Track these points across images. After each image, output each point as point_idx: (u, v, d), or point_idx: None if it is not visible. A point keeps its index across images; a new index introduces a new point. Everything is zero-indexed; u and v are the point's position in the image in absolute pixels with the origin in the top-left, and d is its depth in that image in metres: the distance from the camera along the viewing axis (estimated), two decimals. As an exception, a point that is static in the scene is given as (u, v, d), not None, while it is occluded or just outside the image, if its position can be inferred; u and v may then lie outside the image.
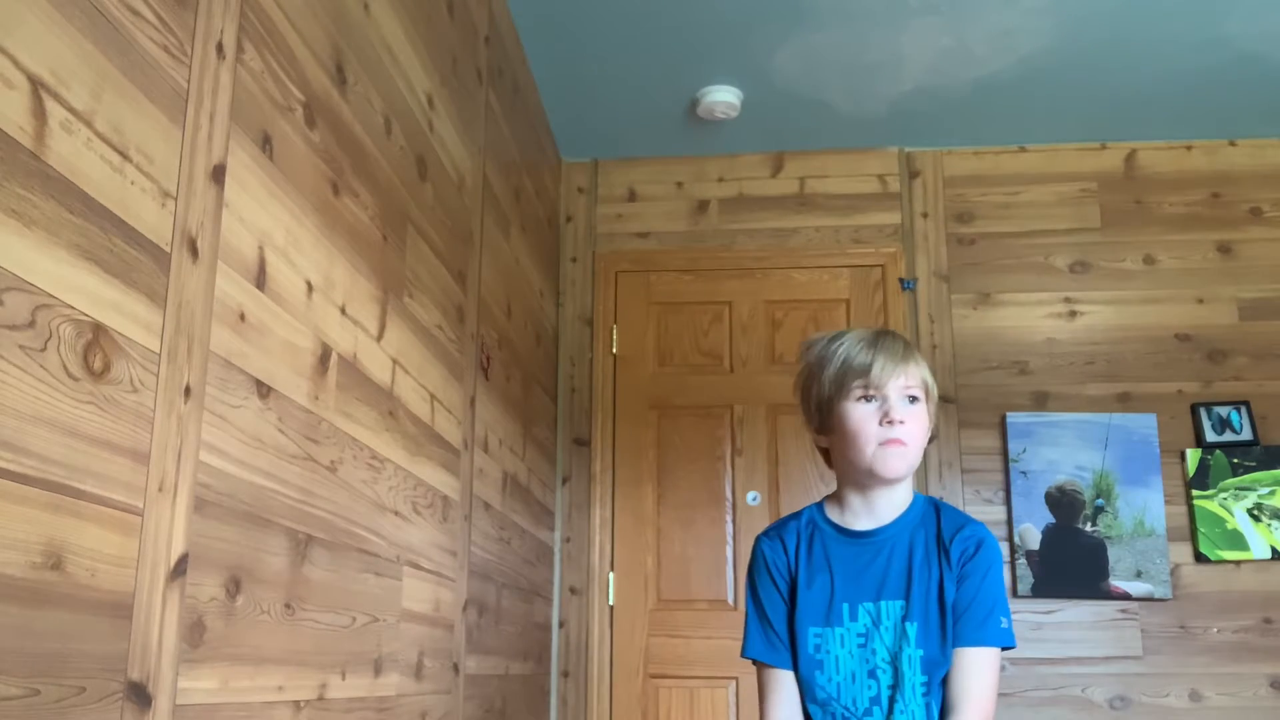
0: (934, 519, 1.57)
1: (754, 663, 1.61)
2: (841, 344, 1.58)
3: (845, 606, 1.53)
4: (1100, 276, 3.76)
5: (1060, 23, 3.12)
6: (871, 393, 1.53)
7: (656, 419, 3.80)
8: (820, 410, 1.59)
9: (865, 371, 1.52)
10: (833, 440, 1.58)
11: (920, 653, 1.49)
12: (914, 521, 1.57)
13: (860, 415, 1.52)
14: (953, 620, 1.50)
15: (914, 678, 1.49)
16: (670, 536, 3.70)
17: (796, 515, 1.65)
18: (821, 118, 3.70)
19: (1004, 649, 1.52)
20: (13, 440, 0.94)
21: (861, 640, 1.52)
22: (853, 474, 1.57)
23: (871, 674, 1.51)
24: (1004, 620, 1.52)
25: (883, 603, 1.52)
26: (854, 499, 1.58)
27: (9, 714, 0.93)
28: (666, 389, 3.82)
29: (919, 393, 1.55)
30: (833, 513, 1.61)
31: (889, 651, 1.50)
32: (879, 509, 1.57)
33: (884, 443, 1.51)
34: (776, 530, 1.64)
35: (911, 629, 1.50)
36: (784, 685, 1.55)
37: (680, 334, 3.87)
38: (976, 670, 1.49)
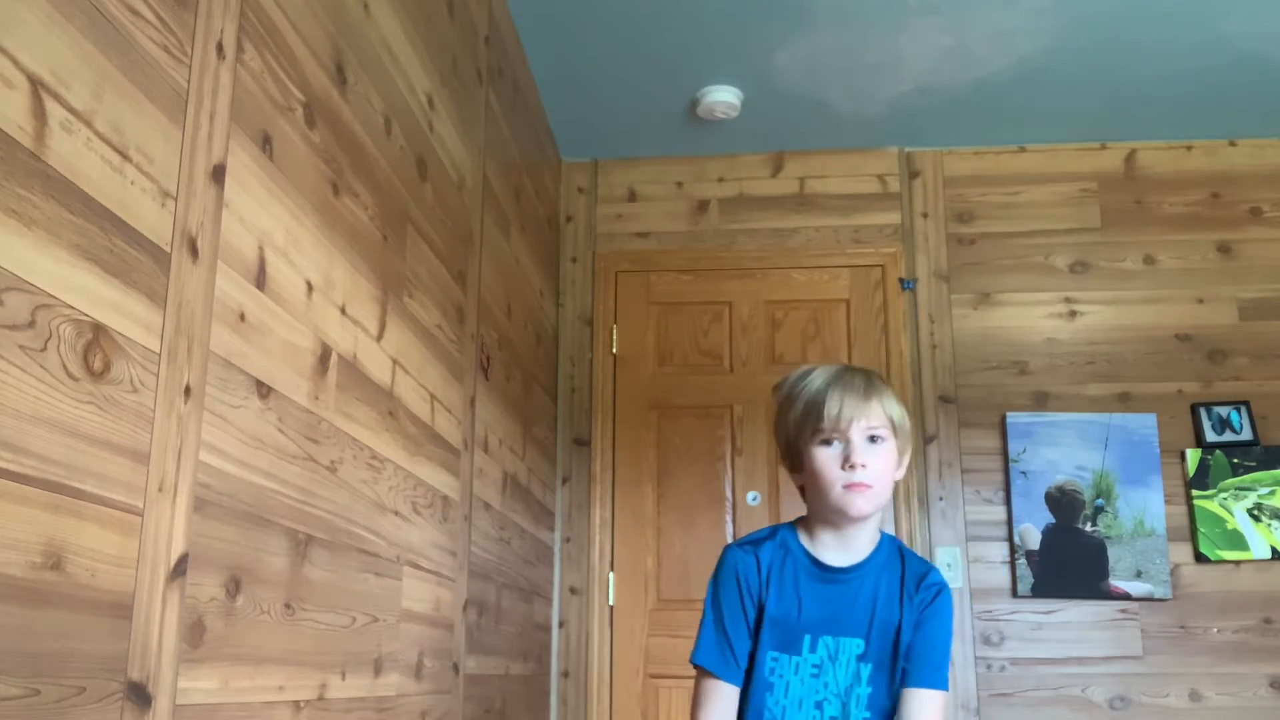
0: (899, 562, 1.59)
1: (698, 669, 1.60)
2: (806, 384, 1.58)
3: (807, 638, 1.55)
4: (1100, 276, 3.76)
5: (1060, 23, 3.12)
6: (833, 436, 1.53)
7: (656, 419, 3.80)
8: (790, 450, 1.60)
9: (824, 416, 1.53)
10: (805, 479, 1.60)
11: (869, 691, 1.52)
12: (880, 562, 1.59)
13: (823, 459, 1.54)
14: (905, 662, 1.53)
15: (859, 713, 1.52)
16: (670, 536, 3.70)
17: (771, 533, 1.65)
18: (821, 118, 3.70)
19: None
20: (13, 440, 0.94)
21: (815, 671, 1.54)
22: (823, 512, 1.58)
23: (818, 705, 1.53)
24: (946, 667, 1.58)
25: (842, 639, 1.54)
26: (825, 534, 1.59)
27: (9, 714, 0.93)
28: (666, 389, 3.82)
29: (884, 431, 1.55)
30: (805, 540, 1.62)
31: (840, 686, 1.53)
32: (849, 546, 1.59)
33: (847, 486, 1.52)
34: (752, 545, 1.63)
35: (865, 669, 1.53)
36: (727, 699, 1.56)
37: (680, 334, 3.87)
38: (931, 710, 1.53)
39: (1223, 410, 3.58)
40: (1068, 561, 3.50)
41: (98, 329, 1.07)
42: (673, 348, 3.86)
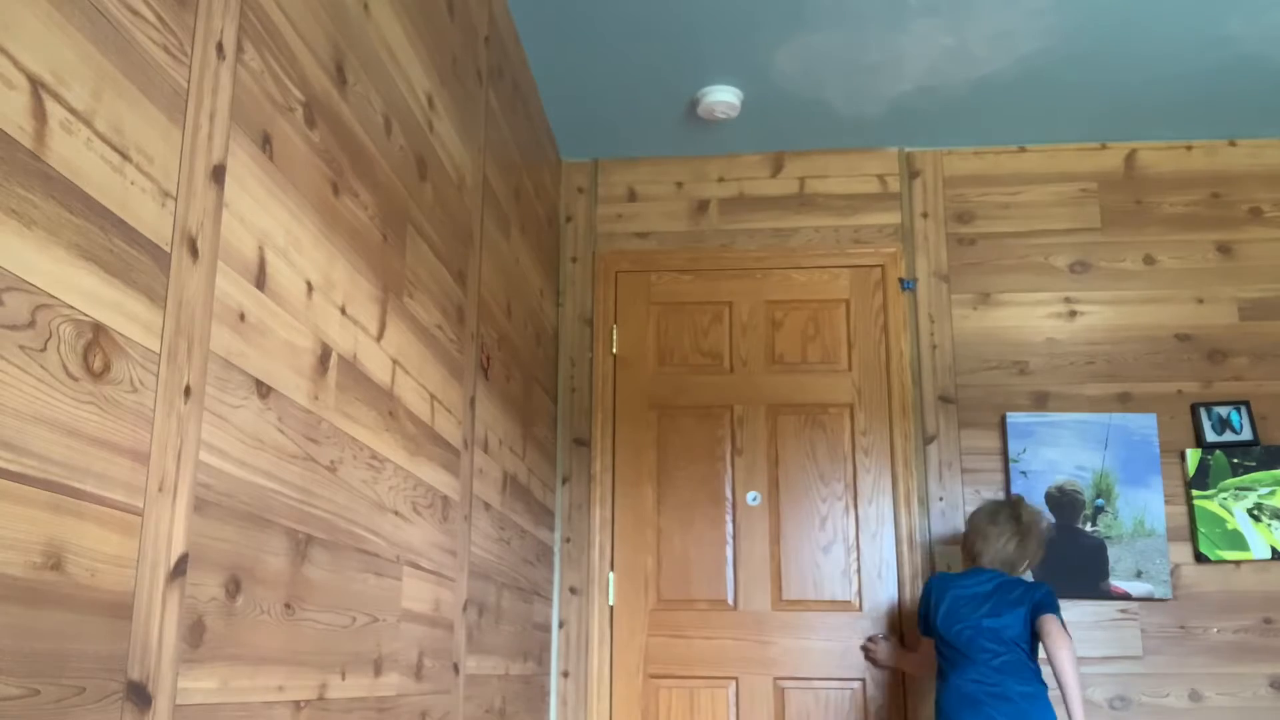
0: None
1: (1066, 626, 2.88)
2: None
3: None
4: (1100, 276, 3.76)
5: (1060, 23, 3.12)
6: None
7: (656, 419, 3.80)
8: None
9: None
10: None
11: None
12: None
13: None
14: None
15: None
16: (670, 536, 3.70)
17: None
18: (821, 118, 3.70)
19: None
20: (13, 440, 0.94)
21: None
22: None
23: None
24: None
25: None
26: None
27: (9, 714, 0.93)
28: (666, 389, 3.82)
29: None
30: None
31: None
32: None
33: None
34: None
35: None
36: None
37: (680, 334, 3.87)
38: None
39: (1223, 410, 3.59)
40: (1068, 561, 3.50)
41: (98, 329, 1.07)
42: (673, 348, 3.86)
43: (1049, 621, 2.84)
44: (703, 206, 3.95)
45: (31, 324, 0.97)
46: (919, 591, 3.51)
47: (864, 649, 3.54)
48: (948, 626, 2.98)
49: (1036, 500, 3.54)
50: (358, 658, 1.77)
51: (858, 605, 3.59)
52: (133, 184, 1.14)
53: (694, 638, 3.61)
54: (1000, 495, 3.60)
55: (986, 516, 3.10)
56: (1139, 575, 3.47)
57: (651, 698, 3.59)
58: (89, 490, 1.05)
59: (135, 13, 1.15)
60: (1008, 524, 3.06)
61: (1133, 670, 3.44)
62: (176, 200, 1.22)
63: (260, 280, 1.44)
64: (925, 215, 3.86)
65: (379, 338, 1.91)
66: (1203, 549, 3.47)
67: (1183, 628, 3.45)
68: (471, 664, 2.51)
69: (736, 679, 3.55)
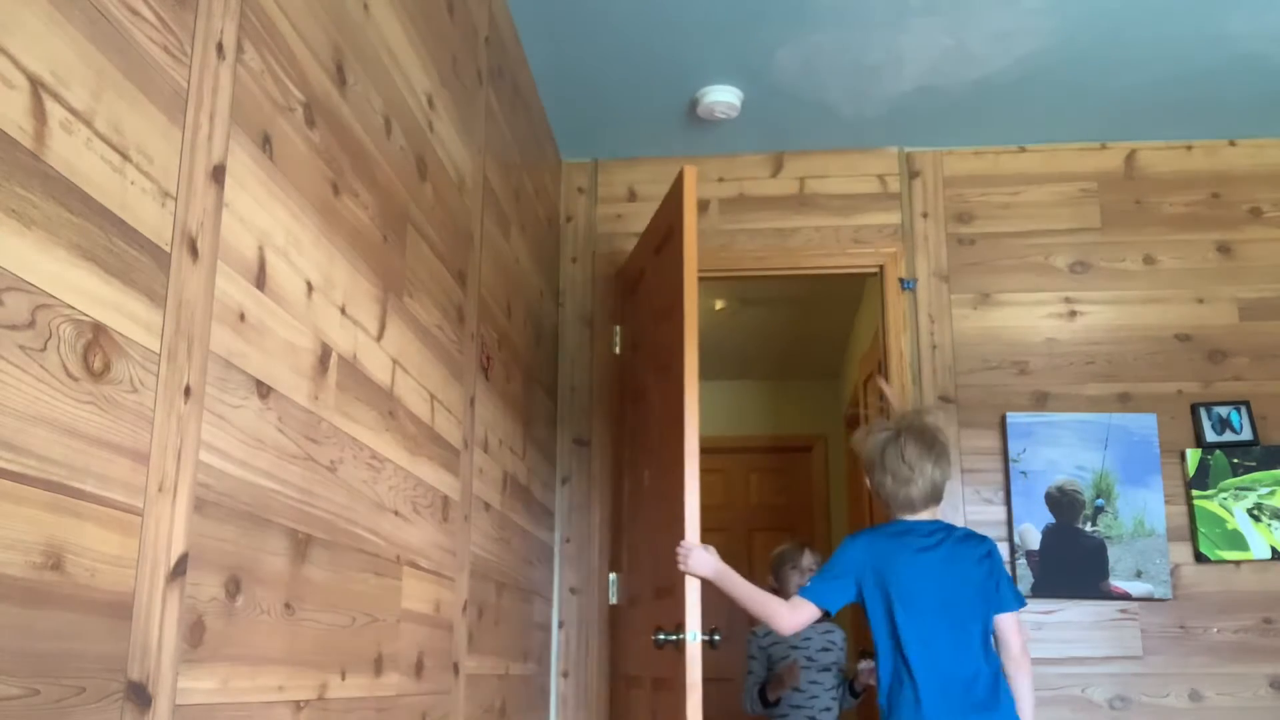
0: None
1: None
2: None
3: None
4: (1100, 276, 3.76)
5: (1060, 23, 3.12)
6: None
7: (628, 411, 3.63)
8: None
9: None
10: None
11: None
12: None
13: None
14: None
15: None
16: (631, 531, 3.50)
17: None
18: (821, 118, 3.70)
19: None
20: (13, 440, 0.94)
21: None
22: None
23: None
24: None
25: None
26: None
27: (9, 714, 0.93)
28: (634, 376, 3.64)
29: None
30: None
31: None
32: None
33: None
34: None
35: None
36: None
37: (644, 314, 3.55)
38: None
39: (1223, 410, 3.58)
40: (1068, 561, 3.50)
41: (98, 329, 1.07)
42: (639, 330, 3.61)
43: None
44: (703, 206, 3.95)
45: (31, 324, 0.97)
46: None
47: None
48: None
49: (1037, 500, 3.54)
50: (358, 658, 1.77)
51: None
52: (133, 184, 1.14)
53: (638, 636, 3.28)
54: (999, 496, 3.59)
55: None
56: (1139, 575, 3.47)
57: (632, 699, 3.43)
58: (89, 490, 1.05)
59: (135, 13, 1.15)
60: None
61: (1133, 670, 3.44)
62: (176, 200, 1.22)
63: (260, 280, 1.44)
64: (925, 215, 3.86)
65: (379, 338, 1.91)
66: (1203, 549, 3.47)
67: (1183, 628, 3.45)
68: (471, 664, 2.51)
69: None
